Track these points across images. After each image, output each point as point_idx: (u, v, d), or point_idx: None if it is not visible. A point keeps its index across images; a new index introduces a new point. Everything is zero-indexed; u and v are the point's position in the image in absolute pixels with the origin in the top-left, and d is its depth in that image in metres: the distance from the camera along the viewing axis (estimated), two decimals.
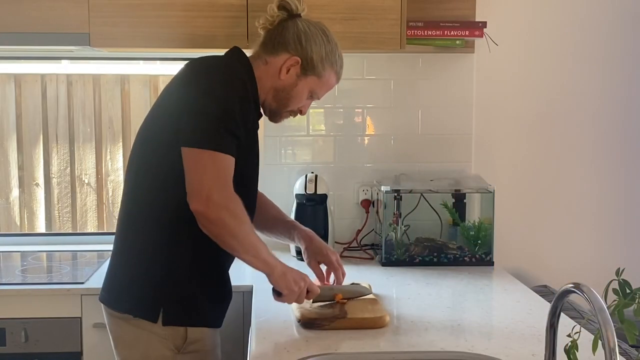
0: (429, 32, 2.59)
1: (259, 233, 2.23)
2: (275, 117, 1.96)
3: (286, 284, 1.75)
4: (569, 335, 1.26)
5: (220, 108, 1.70)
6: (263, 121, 2.68)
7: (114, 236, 1.90)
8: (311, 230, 2.07)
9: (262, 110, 1.94)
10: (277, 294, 1.78)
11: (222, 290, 1.89)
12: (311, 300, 1.85)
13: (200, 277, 1.81)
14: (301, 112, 1.97)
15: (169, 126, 1.73)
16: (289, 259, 2.53)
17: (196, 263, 1.79)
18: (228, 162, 1.70)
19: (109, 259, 1.91)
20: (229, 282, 1.92)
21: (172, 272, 1.78)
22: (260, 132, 2.68)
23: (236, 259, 1.83)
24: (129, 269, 1.81)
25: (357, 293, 1.95)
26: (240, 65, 1.84)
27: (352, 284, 2.04)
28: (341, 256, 2.56)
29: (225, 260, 1.86)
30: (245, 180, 1.83)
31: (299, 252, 2.41)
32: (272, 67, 1.87)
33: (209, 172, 1.66)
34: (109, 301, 1.84)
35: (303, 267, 2.03)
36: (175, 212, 1.74)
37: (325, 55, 1.88)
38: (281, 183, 2.68)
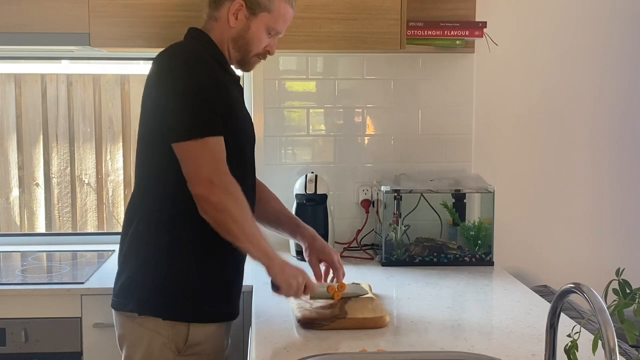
0: (429, 32, 2.59)
1: (259, 226, 2.24)
2: (244, 66, 1.94)
3: (284, 278, 1.77)
4: (569, 335, 1.26)
5: (191, 95, 1.72)
6: (263, 121, 2.72)
7: (114, 236, 1.91)
8: (314, 229, 2.08)
9: (233, 67, 1.94)
10: (275, 288, 1.80)
11: (226, 285, 1.89)
12: (309, 297, 1.86)
13: (202, 273, 1.82)
14: (269, 53, 1.93)
15: (153, 128, 1.78)
16: (289, 259, 2.52)
17: (197, 259, 1.81)
18: (217, 143, 1.73)
19: (117, 263, 1.91)
20: (236, 276, 1.93)
21: (173, 269, 1.80)
22: (260, 131, 2.72)
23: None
24: (134, 270, 1.84)
25: (352, 294, 1.94)
26: (198, 42, 1.87)
27: (353, 283, 2.04)
28: (341, 256, 2.56)
29: (226, 255, 1.85)
30: (242, 144, 1.86)
31: (298, 252, 2.41)
32: (222, 20, 1.87)
33: (203, 159, 1.70)
34: (117, 305, 1.86)
35: (303, 267, 2.03)
36: (172, 210, 1.77)
37: None
38: (281, 183, 2.68)
